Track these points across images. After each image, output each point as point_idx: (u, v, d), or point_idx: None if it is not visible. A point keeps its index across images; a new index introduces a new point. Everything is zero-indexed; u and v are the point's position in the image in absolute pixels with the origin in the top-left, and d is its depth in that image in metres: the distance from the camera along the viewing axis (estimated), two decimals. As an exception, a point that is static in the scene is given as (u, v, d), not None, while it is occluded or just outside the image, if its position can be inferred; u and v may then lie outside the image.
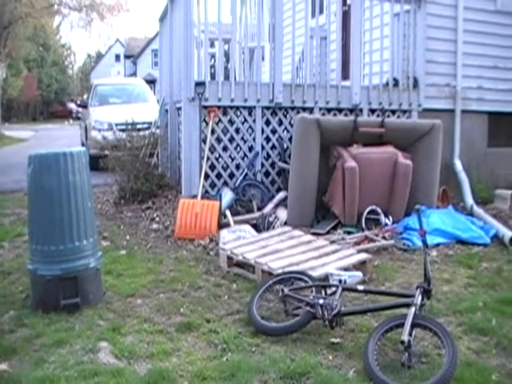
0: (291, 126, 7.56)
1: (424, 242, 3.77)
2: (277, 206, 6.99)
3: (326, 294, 4.09)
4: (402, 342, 3.36)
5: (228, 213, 6.66)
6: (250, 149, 7.51)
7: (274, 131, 7.63)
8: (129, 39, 55.86)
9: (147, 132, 9.25)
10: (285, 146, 7.56)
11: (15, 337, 3.95)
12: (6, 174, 12.13)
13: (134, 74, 46.81)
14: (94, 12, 30.38)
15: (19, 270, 5.32)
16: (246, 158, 7.50)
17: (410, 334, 3.40)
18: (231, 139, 7.45)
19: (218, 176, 7.37)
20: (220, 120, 7.40)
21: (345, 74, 8.40)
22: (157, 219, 7.26)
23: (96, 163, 9.10)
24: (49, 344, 3.80)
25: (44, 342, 3.83)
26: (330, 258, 5.24)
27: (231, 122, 7.46)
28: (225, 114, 7.41)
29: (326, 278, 4.73)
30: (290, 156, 7.30)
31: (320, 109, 7.80)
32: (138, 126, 9.31)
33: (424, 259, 3.73)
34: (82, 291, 4.40)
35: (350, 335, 3.96)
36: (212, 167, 7.33)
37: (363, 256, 5.33)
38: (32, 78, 52.60)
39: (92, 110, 13.25)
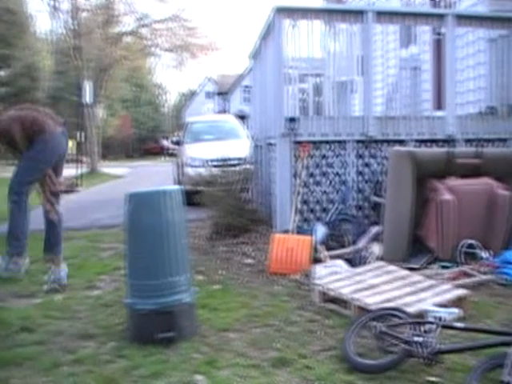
0: (384, 158, 7.49)
1: (526, 276, 3.61)
2: (371, 240, 6.89)
3: (423, 331, 3.97)
4: (502, 383, 3.21)
5: (321, 248, 6.64)
6: (343, 183, 7.49)
7: (366, 165, 7.58)
8: (220, 76, 57.28)
9: (240, 168, 9.41)
10: (378, 179, 7.48)
11: (114, 367, 4.07)
12: (103, 209, 12.62)
13: (224, 111, 47.87)
14: (186, 52, 31.41)
15: (118, 302, 5.47)
16: (338, 192, 7.48)
17: (511, 375, 3.24)
18: (323, 174, 7.46)
19: (311, 211, 7.38)
20: (312, 155, 7.43)
21: (438, 104, 8.27)
22: (250, 254, 7.33)
23: (190, 199, 9.33)
24: (146, 375, 3.89)
25: (142, 374, 3.92)
26: (426, 294, 5.09)
27: (323, 157, 7.48)
28: (316, 148, 7.44)
29: (421, 314, 4.60)
30: (381, 189, 7.22)
31: (413, 141, 7.69)
32: (231, 162, 9.49)
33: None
34: (177, 325, 4.48)
35: (447, 374, 3.81)
36: (305, 202, 7.36)
37: (461, 292, 5.15)
38: (127, 117, 54.90)
39: (186, 148, 13.62)
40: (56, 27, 37.01)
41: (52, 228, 5.10)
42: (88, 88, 21.72)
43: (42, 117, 5.12)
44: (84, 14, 28.40)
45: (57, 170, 5.21)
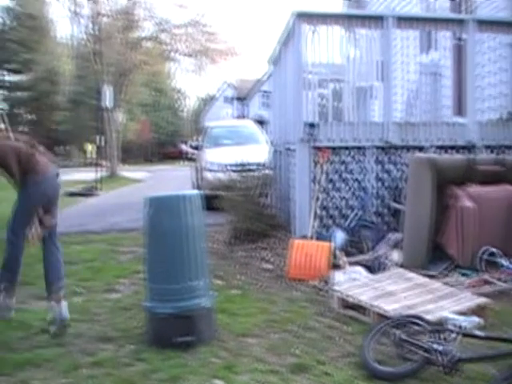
0: (403, 165, 7.46)
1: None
2: (390, 246, 6.86)
3: (443, 339, 3.94)
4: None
5: (340, 254, 6.62)
6: (362, 189, 7.46)
7: (385, 171, 7.55)
8: (239, 81, 57.40)
9: (258, 173, 9.41)
10: (397, 185, 7.45)
11: (133, 370, 4.10)
12: (122, 213, 12.66)
13: (243, 116, 47.90)
14: (205, 57, 31.49)
15: (137, 305, 5.48)
16: (357, 198, 7.46)
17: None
18: (342, 179, 7.45)
19: (330, 216, 7.37)
20: (331, 160, 7.42)
21: (458, 110, 8.21)
22: (269, 259, 7.33)
23: (209, 203, 9.34)
24: (165, 379, 3.93)
25: (160, 377, 3.95)
26: (446, 302, 5.06)
27: (342, 162, 7.47)
28: (336, 154, 7.43)
29: (441, 322, 4.56)
30: (400, 195, 7.19)
31: (433, 147, 7.64)
32: (250, 167, 9.51)
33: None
34: (196, 329, 4.50)
35: (467, 383, 3.79)
36: (324, 208, 7.35)
37: (481, 300, 5.11)
38: (146, 121, 55.21)
39: (205, 152, 13.63)
40: (77, 32, 37.33)
41: (51, 263, 5.07)
42: (108, 92, 21.88)
43: (38, 155, 5.07)
44: (105, 19, 28.61)
45: (50, 211, 5.14)
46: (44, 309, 5.26)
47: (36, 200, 4.96)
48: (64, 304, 4.98)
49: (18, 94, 46.30)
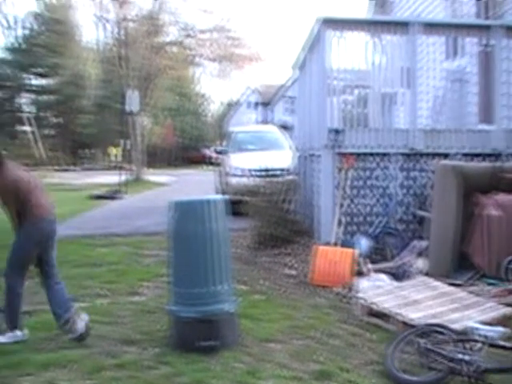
0: (428, 172, 7.40)
1: None
2: (415, 254, 6.81)
3: (469, 348, 3.90)
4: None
5: (363, 261, 6.59)
6: (385, 195, 7.42)
7: (410, 178, 7.49)
8: (264, 86, 57.49)
9: (283, 178, 9.41)
10: (422, 192, 7.40)
11: (156, 373, 4.12)
12: (147, 216, 12.72)
13: (266, 121, 47.88)
14: (230, 62, 31.53)
15: (160, 309, 5.51)
16: (381, 205, 7.41)
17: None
18: (366, 186, 7.41)
19: (354, 223, 7.34)
20: (355, 167, 7.39)
21: (484, 117, 8.13)
22: (293, 265, 7.32)
23: (233, 208, 9.34)
24: (188, 383, 3.94)
25: (183, 381, 3.97)
26: (471, 311, 5.01)
27: (366, 169, 7.43)
28: (360, 160, 7.40)
29: (466, 331, 4.52)
30: (425, 203, 7.14)
31: (458, 154, 7.57)
32: (274, 173, 9.52)
33: None
34: (220, 334, 4.52)
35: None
36: (348, 214, 7.31)
37: (507, 310, 5.05)
38: (170, 126, 55.46)
39: (230, 157, 13.63)
40: (102, 37, 37.74)
41: (57, 300, 4.99)
42: (134, 97, 22.00)
43: (37, 194, 4.93)
44: (130, 24, 28.82)
45: (47, 252, 5.03)
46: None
47: (31, 244, 4.85)
48: (76, 326, 4.86)
49: (45, 97, 46.75)
